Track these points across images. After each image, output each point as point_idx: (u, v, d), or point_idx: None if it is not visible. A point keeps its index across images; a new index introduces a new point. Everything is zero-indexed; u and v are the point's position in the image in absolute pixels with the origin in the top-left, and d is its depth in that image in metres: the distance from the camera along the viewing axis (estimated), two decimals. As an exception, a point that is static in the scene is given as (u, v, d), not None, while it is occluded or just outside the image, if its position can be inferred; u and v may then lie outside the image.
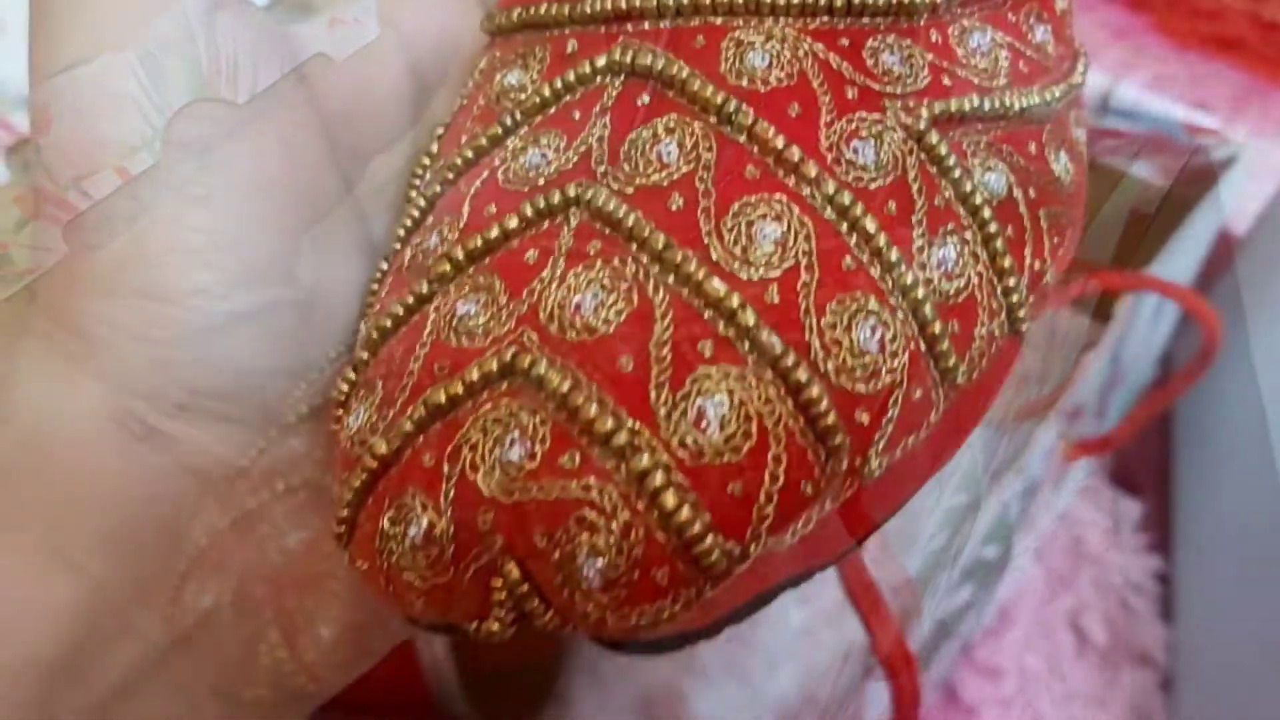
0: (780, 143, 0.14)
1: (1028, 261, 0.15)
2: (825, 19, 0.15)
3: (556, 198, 0.14)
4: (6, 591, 0.13)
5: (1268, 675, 0.31)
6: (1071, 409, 0.31)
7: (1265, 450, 0.35)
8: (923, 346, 0.14)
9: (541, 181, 0.15)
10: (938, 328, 0.14)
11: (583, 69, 0.15)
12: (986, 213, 0.15)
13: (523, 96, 0.16)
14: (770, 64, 0.15)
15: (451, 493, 0.13)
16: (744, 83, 0.15)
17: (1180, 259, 0.35)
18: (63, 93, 0.15)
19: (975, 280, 0.14)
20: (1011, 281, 0.15)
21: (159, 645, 0.14)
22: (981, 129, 0.15)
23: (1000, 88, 0.16)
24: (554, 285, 0.13)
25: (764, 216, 0.14)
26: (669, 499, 0.12)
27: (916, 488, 0.14)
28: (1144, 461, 0.43)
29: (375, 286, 0.16)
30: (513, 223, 0.14)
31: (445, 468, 0.13)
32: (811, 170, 0.14)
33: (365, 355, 0.15)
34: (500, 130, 0.16)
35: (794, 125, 0.14)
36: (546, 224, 0.14)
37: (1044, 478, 0.33)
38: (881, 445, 0.13)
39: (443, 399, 0.13)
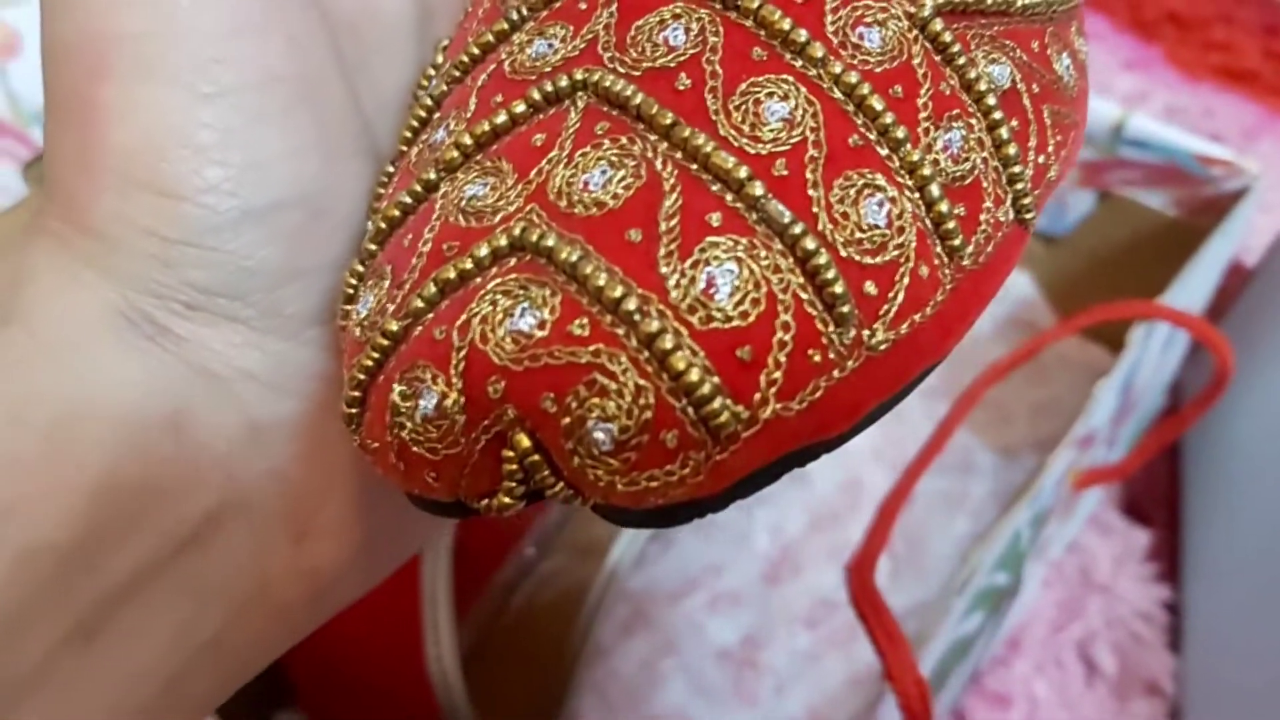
0: (787, 25, 0.14)
1: (1032, 155, 0.15)
2: None
3: (564, 82, 0.14)
4: (19, 478, 0.13)
5: (1277, 706, 0.31)
6: (1082, 437, 0.31)
7: (1276, 480, 0.35)
8: (929, 225, 0.14)
9: (548, 69, 0.15)
10: (944, 207, 0.14)
11: None
12: (991, 100, 0.15)
13: None
14: None
15: (462, 364, 0.13)
16: None
17: (1192, 289, 0.35)
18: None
19: (980, 166, 0.15)
20: (1016, 170, 0.15)
21: (169, 545, 0.14)
22: (985, 23, 0.16)
23: None
24: (562, 165, 0.14)
25: (771, 95, 0.14)
26: (678, 361, 0.12)
27: (923, 368, 0.14)
28: (1154, 491, 0.43)
29: (381, 190, 0.17)
30: (520, 108, 0.15)
31: (456, 339, 0.13)
32: (818, 51, 0.14)
33: (373, 247, 0.15)
34: (506, 25, 0.16)
35: (799, 11, 0.15)
36: (553, 109, 0.14)
37: (1054, 506, 0.33)
38: (889, 318, 0.13)
39: (453, 274, 0.13)
